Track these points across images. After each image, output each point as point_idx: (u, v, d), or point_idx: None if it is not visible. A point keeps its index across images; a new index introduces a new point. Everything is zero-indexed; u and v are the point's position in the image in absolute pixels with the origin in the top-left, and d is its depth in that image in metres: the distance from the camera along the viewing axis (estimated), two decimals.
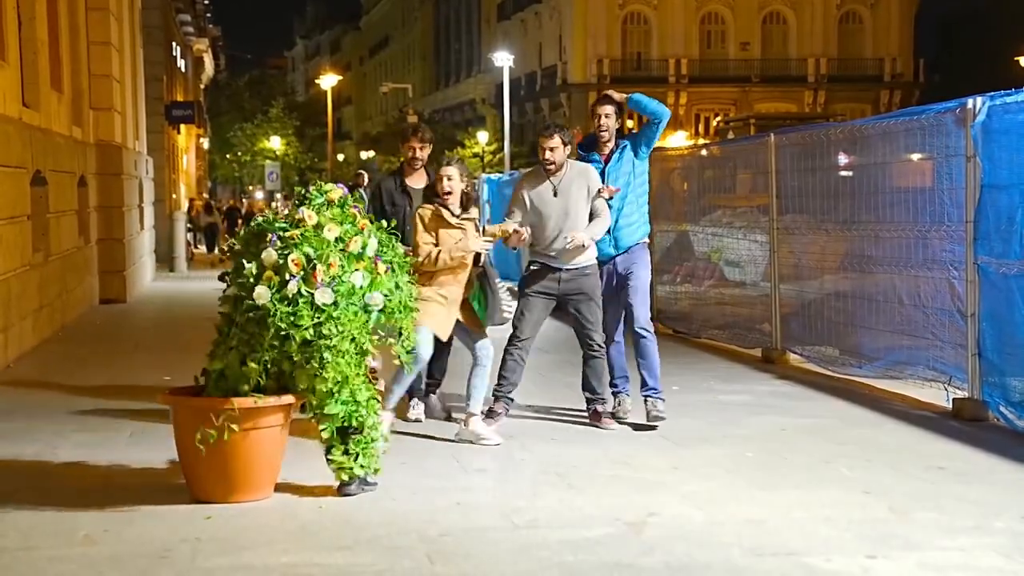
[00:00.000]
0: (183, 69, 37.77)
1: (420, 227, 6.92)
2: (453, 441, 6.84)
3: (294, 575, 4.51)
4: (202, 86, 48.85)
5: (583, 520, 5.23)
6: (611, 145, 7.46)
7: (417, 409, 7.50)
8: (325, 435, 5.52)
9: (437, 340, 7.00)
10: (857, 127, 9.55)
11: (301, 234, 5.49)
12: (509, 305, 7.18)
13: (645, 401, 7.30)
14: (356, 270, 5.54)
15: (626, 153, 7.44)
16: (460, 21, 71.39)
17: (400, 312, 5.72)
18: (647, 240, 7.61)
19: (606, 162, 7.44)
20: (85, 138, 15.71)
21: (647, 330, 7.34)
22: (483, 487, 5.85)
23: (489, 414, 7.09)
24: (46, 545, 4.86)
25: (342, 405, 5.47)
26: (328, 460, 5.58)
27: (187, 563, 4.63)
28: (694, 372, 9.58)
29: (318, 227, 5.53)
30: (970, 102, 7.44)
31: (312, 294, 5.38)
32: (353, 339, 5.49)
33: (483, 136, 56.02)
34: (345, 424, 5.50)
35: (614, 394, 7.54)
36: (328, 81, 56.33)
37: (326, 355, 5.40)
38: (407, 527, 5.09)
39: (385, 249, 5.78)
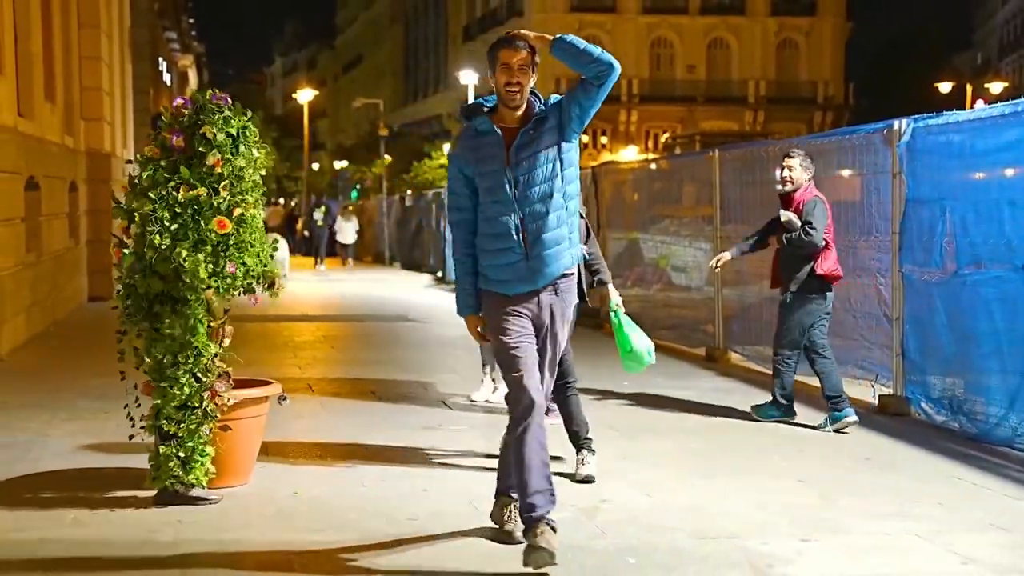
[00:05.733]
0: (168, 83, 37.43)
1: None
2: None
3: (270, 554, 4.49)
4: None
5: None
6: (521, 112, 4.48)
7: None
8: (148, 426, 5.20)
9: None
10: (793, 145, 9.60)
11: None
12: None
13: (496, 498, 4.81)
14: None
15: (546, 128, 4.44)
16: (428, 41, 71.20)
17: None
18: (574, 271, 4.56)
19: (511, 136, 4.43)
20: (76, 146, 15.54)
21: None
22: (448, 476, 5.83)
23: None
24: (37, 527, 4.80)
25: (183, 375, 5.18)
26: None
27: (170, 542, 4.60)
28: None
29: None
30: (896, 124, 7.53)
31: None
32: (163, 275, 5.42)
33: (449, 148, 55.91)
34: (157, 425, 5.16)
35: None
36: (305, 96, 55.94)
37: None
38: (376, 511, 5.07)
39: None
